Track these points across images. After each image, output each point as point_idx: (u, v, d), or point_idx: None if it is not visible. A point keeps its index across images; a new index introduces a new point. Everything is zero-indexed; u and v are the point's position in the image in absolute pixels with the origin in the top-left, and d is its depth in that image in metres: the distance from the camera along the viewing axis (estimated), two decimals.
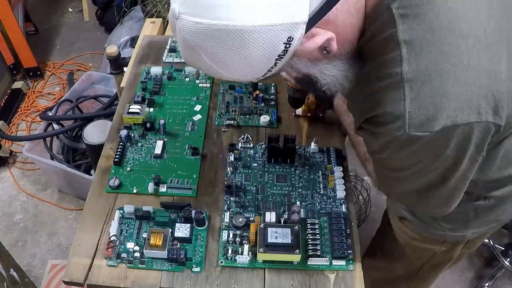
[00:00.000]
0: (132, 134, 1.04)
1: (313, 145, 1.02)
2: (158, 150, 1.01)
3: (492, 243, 1.73)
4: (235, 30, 0.54)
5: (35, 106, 2.37)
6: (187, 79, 1.19)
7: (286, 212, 0.90)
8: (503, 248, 1.72)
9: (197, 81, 1.18)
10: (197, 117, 1.10)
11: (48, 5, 2.98)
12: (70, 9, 2.99)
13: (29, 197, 2.00)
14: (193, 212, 0.88)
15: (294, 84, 0.97)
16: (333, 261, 0.84)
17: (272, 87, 1.17)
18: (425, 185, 0.71)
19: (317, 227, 0.88)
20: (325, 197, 0.94)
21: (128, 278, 0.83)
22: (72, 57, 2.64)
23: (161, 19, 1.53)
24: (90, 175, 1.77)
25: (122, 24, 2.27)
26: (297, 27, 0.55)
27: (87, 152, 1.81)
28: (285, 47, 0.57)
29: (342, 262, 0.84)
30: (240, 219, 0.88)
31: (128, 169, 0.99)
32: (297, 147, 1.00)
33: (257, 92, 1.14)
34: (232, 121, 1.08)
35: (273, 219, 0.87)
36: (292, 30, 0.55)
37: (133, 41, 2.19)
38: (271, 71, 0.61)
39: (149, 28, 1.46)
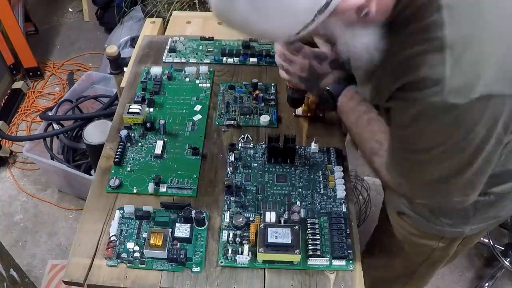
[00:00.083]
0: (132, 134, 1.04)
1: (313, 145, 1.02)
2: (158, 150, 1.01)
3: (492, 243, 1.73)
4: None
5: (35, 106, 2.37)
6: (187, 79, 1.19)
7: (286, 212, 0.90)
8: (503, 248, 1.72)
9: (197, 81, 1.18)
10: (197, 117, 1.10)
11: (48, 5, 2.98)
12: (70, 9, 2.99)
13: (29, 197, 2.00)
14: (193, 212, 0.88)
15: (293, 83, 0.97)
16: (333, 261, 0.84)
17: (272, 87, 1.17)
18: (449, 170, 0.68)
19: (317, 227, 0.88)
20: (325, 197, 0.94)
21: (128, 278, 0.83)
22: (72, 57, 2.64)
23: (161, 19, 1.53)
24: (90, 175, 1.77)
25: (122, 24, 2.27)
26: None
27: (87, 152, 1.81)
28: (327, 0, 0.57)
29: (342, 262, 0.84)
30: (240, 219, 0.88)
31: (128, 169, 0.99)
32: (297, 147, 1.00)
33: (257, 92, 1.14)
34: (232, 121, 1.08)
35: (273, 219, 0.87)
36: None
37: (133, 41, 2.19)
38: (306, 28, 0.60)
39: (149, 28, 1.46)
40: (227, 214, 0.91)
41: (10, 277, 1.29)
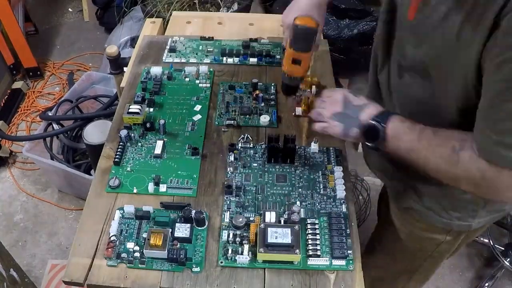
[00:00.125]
0: (132, 134, 1.04)
1: (313, 145, 1.02)
2: (158, 150, 1.01)
3: (492, 243, 1.73)
4: None
5: (35, 106, 2.37)
6: (187, 79, 1.19)
7: (286, 212, 0.90)
8: (503, 248, 1.72)
9: (197, 81, 1.18)
10: (197, 117, 1.10)
11: (48, 5, 2.99)
12: (70, 9, 2.99)
13: (29, 197, 2.00)
14: (193, 212, 0.88)
15: (295, 83, 0.96)
16: (333, 261, 0.84)
17: (272, 87, 1.17)
18: None
19: (317, 227, 0.88)
20: (325, 197, 0.94)
21: (128, 278, 0.83)
22: (72, 57, 2.64)
23: (161, 19, 1.53)
24: (90, 175, 1.77)
25: (122, 24, 2.27)
26: None
27: (87, 152, 1.81)
28: None
29: (342, 262, 0.84)
30: (240, 219, 0.88)
31: (128, 169, 0.99)
32: (297, 147, 1.00)
33: (257, 92, 1.14)
34: (232, 121, 1.08)
35: (273, 219, 0.87)
36: None
37: (133, 41, 2.19)
38: None
39: (149, 28, 1.46)
40: (227, 214, 0.91)
41: (10, 277, 1.29)
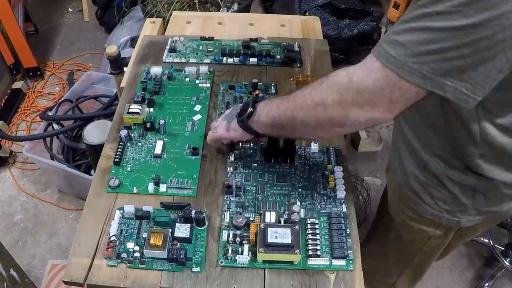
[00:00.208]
0: (132, 134, 1.04)
1: (313, 145, 1.02)
2: (158, 150, 1.01)
3: (492, 243, 1.73)
4: None
5: (35, 106, 2.37)
6: (187, 79, 1.19)
7: (286, 212, 0.90)
8: (503, 248, 1.73)
9: (197, 81, 1.18)
10: (197, 117, 1.10)
11: (48, 5, 2.99)
12: (70, 9, 3.00)
13: (29, 197, 2.00)
14: (193, 212, 0.88)
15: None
16: (333, 261, 0.84)
17: (272, 87, 1.17)
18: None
19: (317, 227, 0.88)
20: (325, 197, 0.94)
21: (128, 278, 0.83)
22: (72, 57, 2.64)
23: (161, 19, 1.53)
24: (90, 175, 1.77)
25: (122, 24, 2.27)
26: None
27: (87, 152, 1.81)
28: None
29: (342, 262, 0.84)
30: (240, 219, 0.88)
31: (128, 169, 0.99)
32: (297, 147, 1.00)
33: (257, 92, 1.14)
34: None
35: (273, 219, 0.87)
36: None
37: (133, 41, 2.19)
38: None
39: (149, 28, 1.45)
40: (227, 214, 0.91)
41: (10, 277, 1.29)
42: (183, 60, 1.25)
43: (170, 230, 0.86)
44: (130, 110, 1.05)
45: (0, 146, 2.07)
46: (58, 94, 2.43)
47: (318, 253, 0.84)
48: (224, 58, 1.26)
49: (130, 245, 0.85)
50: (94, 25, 2.84)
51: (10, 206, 1.97)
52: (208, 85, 1.17)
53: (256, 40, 1.31)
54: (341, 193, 0.93)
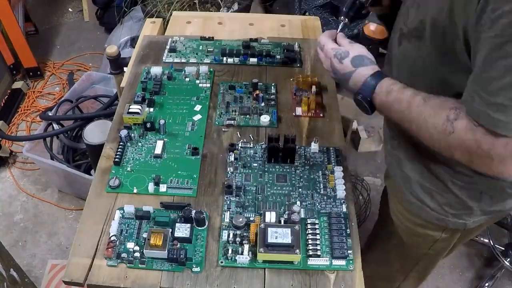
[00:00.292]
0: (132, 134, 1.04)
1: (313, 145, 1.02)
2: (158, 150, 1.01)
3: (492, 243, 1.73)
4: None
5: (35, 106, 2.37)
6: (187, 79, 1.19)
7: (286, 212, 0.90)
8: (503, 248, 1.72)
9: (197, 81, 1.18)
10: (197, 117, 1.10)
11: (48, 5, 2.99)
12: (70, 9, 2.99)
13: (29, 197, 2.00)
14: (193, 212, 0.88)
15: None
16: (333, 261, 0.84)
17: (272, 87, 1.17)
18: None
19: (317, 227, 0.88)
20: (325, 197, 0.94)
21: (128, 278, 0.83)
22: (72, 57, 2.64)
23: (161, 19, 1.53)
24: (90, 175, 1.77)
25: (122, 24, 2.27)
26: None
27: (87, 152, 1.81)
28: None
29: (342, 262, 0.84)
30: (240, 219, 0.88)
31: (128, 169, 0.99)
32: (297, 147, 1.00)
33: (257, 92, 1.14)
34: (232, 121, 1.08)
35: (273, 219, 0.87)
36: None
37: (133, 41, 2.19)
38: None
39: (149, 28, 1.45)
40: (227, 214, 0.91)
41: (10, 277, 1.29)
42: (183, 60, 1.25)
43: (170, 230, 0.86)
44: (130, 110, 1.05)
45: (0, 146, 2.07)
46: (58, 94, 2.43)
47: (318, 253, 0.84)
48: (224, 58, 1.26)
49: (130, 245, 0.85)
50: (94, 25, 2.84)
51: (10, 206, 1.97)
52: (208, 85, 1.17)
53: (256, 40, 1.31)
54: (341, 193, 0.93)
